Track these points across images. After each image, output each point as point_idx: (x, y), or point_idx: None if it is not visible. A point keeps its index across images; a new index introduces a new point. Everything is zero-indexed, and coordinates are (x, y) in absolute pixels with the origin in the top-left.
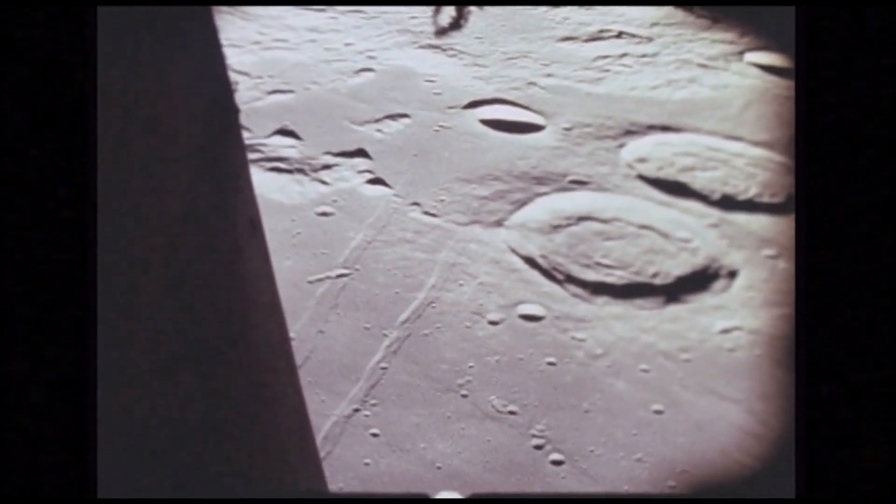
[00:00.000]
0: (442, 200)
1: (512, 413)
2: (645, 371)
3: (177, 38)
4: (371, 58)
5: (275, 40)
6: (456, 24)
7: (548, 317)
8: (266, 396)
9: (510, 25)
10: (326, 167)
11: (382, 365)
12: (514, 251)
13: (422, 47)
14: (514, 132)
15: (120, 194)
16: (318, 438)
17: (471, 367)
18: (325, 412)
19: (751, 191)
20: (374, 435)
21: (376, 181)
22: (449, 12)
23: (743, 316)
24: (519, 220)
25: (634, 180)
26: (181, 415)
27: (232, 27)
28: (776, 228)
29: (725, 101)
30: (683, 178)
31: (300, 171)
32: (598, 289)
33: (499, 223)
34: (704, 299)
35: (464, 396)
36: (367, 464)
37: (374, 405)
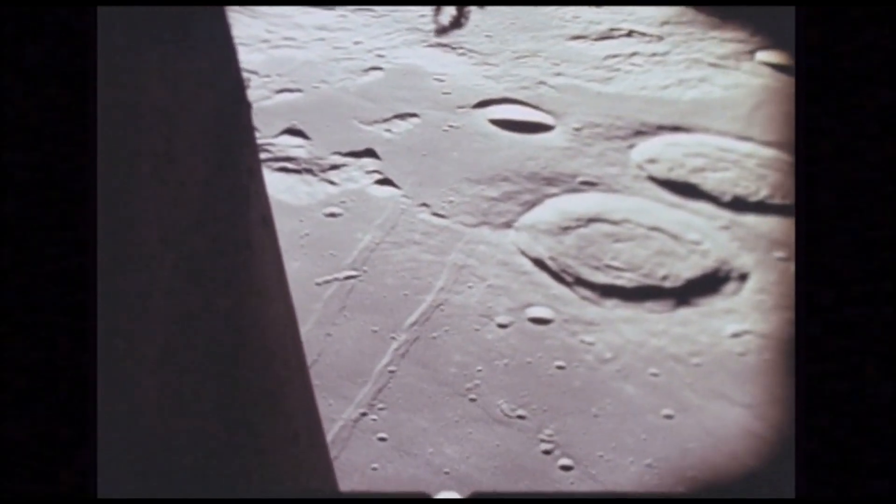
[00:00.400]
0: (451, 201)
1: (521, 417)
2: (655, 375)
3: (189, 34)
4: (380, 56)
5: (283, 38)
6: (456, 24)
7: (557, 320)
8: (277, 395)
9: (520, 24)
10: (335, 167)
11: (390, 368)
12: (523, 253)
13: (431, 46)
14: (524, 132)
15: (131, 190)
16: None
17: (479, 370)
18: (333, 416)
19: (761, 192)
20: (382, 439)
21: (385, 182)
22: (450, 11)
23: (754, 319)
24: (528, 222)
25: (644, 181)
26: (187, 414)
27: (240, 25)
28: (787, 230)
29: (736, 101)
30: (694, 179)
31: (308, 171)
32: (608, 291)
33: (508, 225)
34: (715, 302)
35: (472, 400)
36: (374, 468)
37: (381, 409)
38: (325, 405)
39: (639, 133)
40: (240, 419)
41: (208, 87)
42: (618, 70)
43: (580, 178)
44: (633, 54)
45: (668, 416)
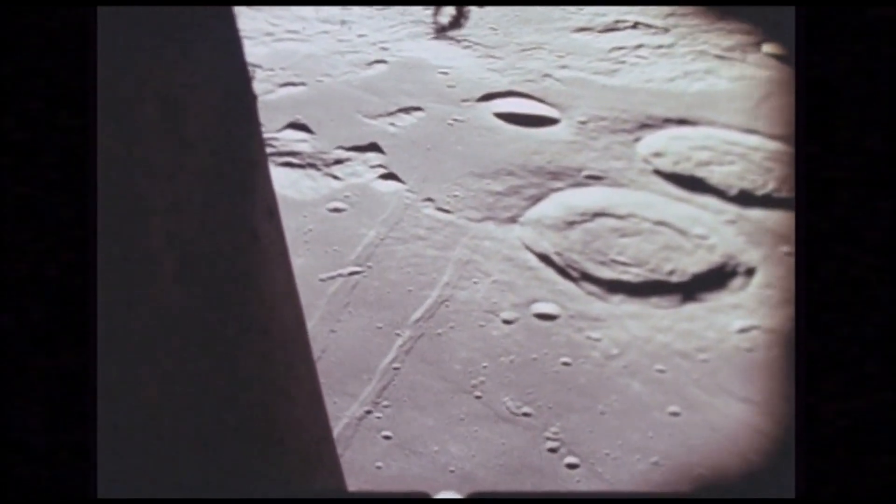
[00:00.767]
0: (455, 196)
1: (526, 415)
2: (661, 372)
3: (194, 25)
4: (384, 49)
5: (287, 31)
6: (456, 24)
7: (562, 316)
8: (283, 392)
9: (524, 16)
10: (339, 162)
11: (395, 365)
12: (528, 248)
13: (435, 38)
14: (529, 126)
15: (134, 181)
16: None
17: (484, 367)
18: (337, 414)
19: (768, 185)
20: (387, 437)
21: (389, 176)
22: (449, 12)
23: (761, 315)
24: (533, 217)
25: (650, 175)
26: (190, 412)
27: (243, 18)
28: (794, 225)
29: (743, 94)
30: (700, 172)
31: (312, 165)
32: (614, 287)
33: (513, 219)
34: (722, 298)
35: (477, 398)
36: (378, 467)
37: (386, 406)
38: (330, 403)
39: (644, 126)
40: (244, 417)
41: (213, 79)
42: (623, 62)
43: (586, 172)
44: (639, 46)
45: (675, 414)
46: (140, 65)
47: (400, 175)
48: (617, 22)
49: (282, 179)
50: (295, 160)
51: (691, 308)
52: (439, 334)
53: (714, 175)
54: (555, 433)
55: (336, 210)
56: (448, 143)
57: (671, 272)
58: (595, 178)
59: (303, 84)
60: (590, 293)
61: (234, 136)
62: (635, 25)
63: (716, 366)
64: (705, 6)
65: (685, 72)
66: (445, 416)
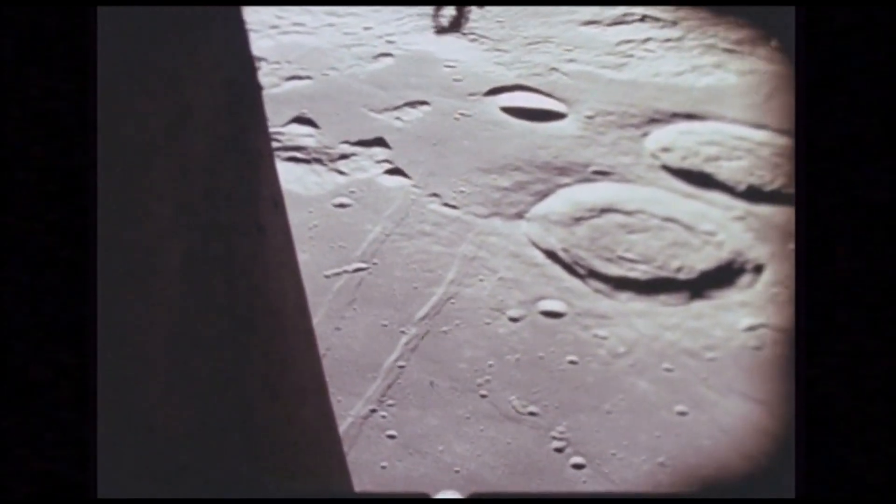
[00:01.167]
0: (462, 191)
1: (532, 414)
2: (668, 370)
3: (198, 18)
4: (390, 42)
5: (293, 24)
6: (456, 24)
7: (569, 313)
8: (287, 386)
9: (531, 9)
10: (344, 157)
11: (400, 363)
12: (535, 244)
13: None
14: (536, 120)
15: (139, 171)
16: None
17: (490, 365)
18: (342, 413)
19: (777, 181)
20: (391, 437)
21: (395, 171)
22: (449, 12)
23: (769, 313)
24: (540, 212)
25: (658, 171)
26: (192, 410)
27: (249, 10)
28: (795, 221)
29: (751, 88)
30: (708, 168)
31: (318, 160)
32: (621, 284)
33: (519, 215)
34: (729, 295)
35: (483, 396)
36: (383, 467)
37: (391, 405)
38: (334, 402)
39: (652, 121)
40: (248, 414)
41: (219, 71)
42: (631, 56)
43: (593, 168)
44: (647, 40)
45: (682, 413)
46: (143, 58)
47: (406, 170)
48: (625, 15)
49: (287, 174)
50: (300, 155)
51: (699, 306)
52: (445, 332)
53: (722, 170)
54: (561, 433)
55: (341, 205)
56: (454, 137)
57: (679, 269)
58: (602, 174)
59: (308, 77)
60: (597, 290)
61: (240, 127)
62: (643, 19)
63: (724, 364)
64: (705, 6)
65: (693, 66)
66: (451, 416)
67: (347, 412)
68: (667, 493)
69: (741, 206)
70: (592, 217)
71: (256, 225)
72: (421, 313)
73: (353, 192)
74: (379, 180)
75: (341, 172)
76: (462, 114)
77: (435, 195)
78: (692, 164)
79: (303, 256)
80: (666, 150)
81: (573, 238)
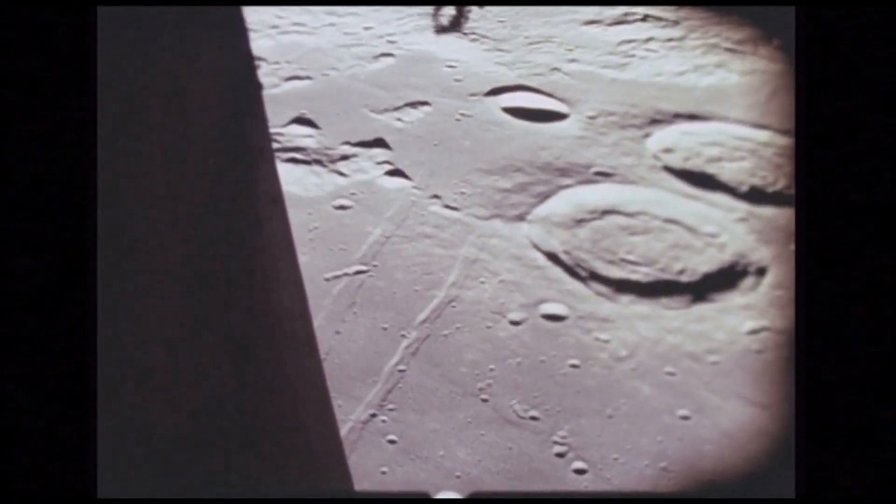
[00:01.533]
0: (463, 193)
1: (534, 419)
2: (671, 374)
3: (200, 16)
4: (391, 42)
5: (293, 24)
6: (456, 24)
7: (571, 316)
8: (287, 386)
9: (532, 8)
10: (344, 158)
11: (401, 367)
12: (536, 247)
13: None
14: (538, 121)
15: (141, 167)
16: None
17: (491, 369)
18: (342, 417)
19: (779, 183)
20: (392, 441)
21: (396, 173)
22: (449, 12)
23: (772, 316)
24: (542, 214)
25: (660, 172)
26: (193, 411)
27: (248, 10)
28: (795, 222)
29: (753, 88)
30: (710, 169)
31: (318, 162)
32: (623, 287)
33: (521, 217)
34: (732, 298)
35: (484, 401)
36: (383, 472)
37: (391, 410)
38: (335, 406)
39: (654, 121)
40: (248, 417)
41: (219, 69)
42: (633, 56)
43: (595, 169)
44: (649, 39)
45: (685, 417)
46: (144, 56)
47: (406, 171)
48: (626, 14)
49: (287, 176)
50: (300, 156)
51: (701, 309)
52: (446, 336)
53: (724, 171)
54: (563, 437)
55: (342, 207)
56: (455, 138)
57: (681, 272)
58: (604, 175)
59: (308, 78)
60: (599, 293)
61: (239, 124)
62: (645, 18)
63: (726, 368)
64: (707, 6)
65: (695, 65)
66: (451, 420)
67: (348, 416)
68: (667, 494)
69: (743, 207)
70: (594, 219)
71: (256, 221)
72: (422, 316)
73: (353, 193)
74: (379, 182)
75: (342, 174)
76: (463, 114)
77: (436, 197)
78: (694, 165)
79: (303, 259)
80: (668, 150)
81: (575, 240)
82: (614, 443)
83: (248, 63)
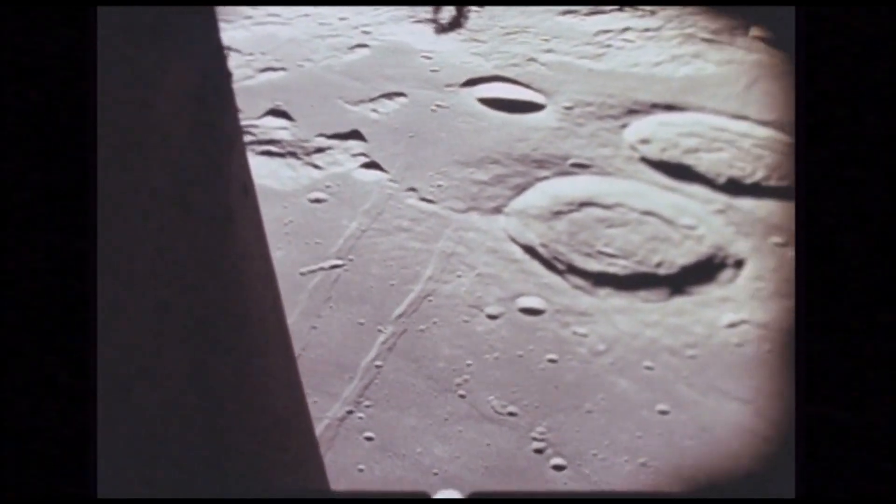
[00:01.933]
0: (439, 185)
1: (511, 414)
2: (649, 368)
3: (166, 5)
4: (366, 33)
5: (267, 14)
6: (456, 23)
7: (548, 310)
8: (260, 382)
9: None
10: (319, 150)
11: (377, 363)
12: (513, 240)
13: (418, 21)
14: (514, 112)
15: (109, 157)
16: None
17: (469, 364)
18: (318, 414)
19: (757, 174)
20: (369, 439)
21: (371, 165)
22: (449, 11)
23: (751, 308)
24: (518, 207)
25: (637, 163)
26: (174, 412)
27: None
28: (784, 214)
29: (731, 78)
30: (688, 160)
31: (292, 154)
32: (601, 280)
33: (498, 210)
34: (710, 291)
35: (461, 397)
36: (360, 470)
37: (368, 406)
38: (310, 402)
39: (631, 112)
40: (225, 410)
41: (187, 57)
42: (609, 46)
43: (571, 160)
44: (625, 29)
45: (664, 412)
46: (111, 45)
47: (382, 164)
48: (602, 4)
49: (261, 168)
50: (274, 148)
51: (679, 302)
52: (422, 330)
53: (702, 162)
54: (541, 433)
55: (317, 201)
56: (431, 129)
57: (659, 264)
58: (581, 167)
59: (283, 69)
60: (576, 286)
61: (208, 111)
62: (621, 7)
63: (705, 362)
64: (704, 6)
65: (672, 55)
66: (429, 417)
67: (324, 413)
68: (666, 494)
69: (721, 199)
70: (571, 211)
71: (227, 213)
72: (398, 311)
73: (328, 186)
74: (355, 174)
75: (317, 166)
76: (439, 105)
77: (412, 189)
78: (671, 156)
79: (278, 253)
80: (645, 141)
81: (552, 233)
82: (593, 438)
83: (217, 53)
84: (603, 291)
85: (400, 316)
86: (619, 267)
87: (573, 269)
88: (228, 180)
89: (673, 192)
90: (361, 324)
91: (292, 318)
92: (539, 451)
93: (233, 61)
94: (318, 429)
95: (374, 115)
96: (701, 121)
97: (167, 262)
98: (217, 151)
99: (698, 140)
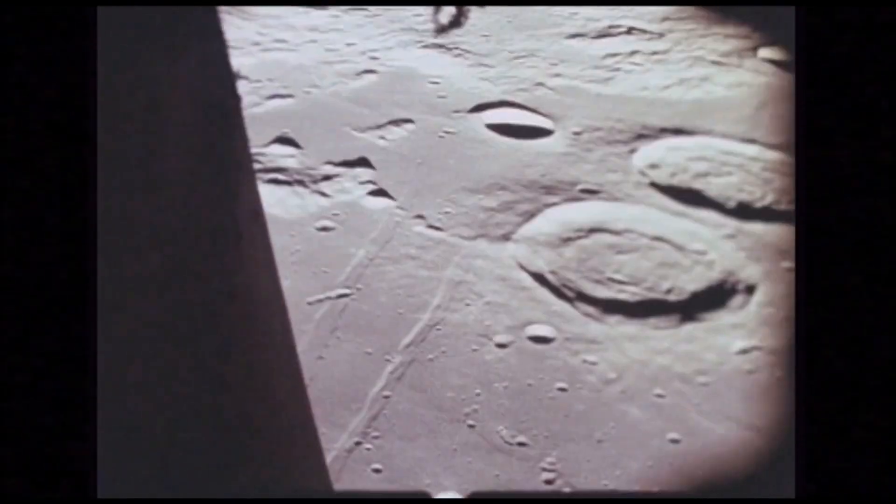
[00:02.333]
0: (447, 212)
1: (521, 444)
2: (660, 396)
3: (180, 26)
4: (373, 59)
5: (275, 41)
6: (456, 23)
7: (558, 338)
8: (268, 404)
9: (517, 22)
10: (327, 178)
11: (385, 393)
12: (522, 267)
13: (426, 47)
14: (522, 137)
15: (116, 178)
16: None
17: (478, 394)
18: (326, 445)
19: (767, 198)
20: (377, 470)
21: (379, 192)
22: (449, 11)
23: (762, 335)
24: (527, 234)
25: (647, 188)
26: (183, 415)
27: (231, 28)
28: (794, 237)
29: (740, 101)
30: (697, 185)
31: (300, 182)
32: (611, 307)
33: (506, 237)
34: (721, 317)
35: (470, 427)
36: None
37: (375, 437)
38: (318, 434)
39: (640, 136)
40: (233, 420)
41: (198, 81)
42: (618, 70)
43: (580, 186)
44: (634, 53)
45: (675, 441)
46: (125, 66)
47: (390, 191)
48: (610, 27)
49: (268, 197)
50: (282, 176)
51: (690, 328)
52: (431, 360)
53: (712, 187)
54: (551, 463)
55: (324, 229)
56: (439, 156)
57: (669, 290)
58: (590, 192)
59: (290, 96)
60: (586, 314)
61: (218, 136)
62: (629, 31)
63: (716, 389)
64: (704, 7)
65: (681, 79)
66: (437, 447)
67: (332, 445)
68: (666, 494)
69: (732, 223)
70: (580, 237)
71: (236, 237)
72: (406, 340)
73: (336, 214)
74: (363, 202)
75: (324, 194)
76: (447, 132)
77: (420, 217)
78: (681, 180)
79: (285, 283)
80: (654, 166)
81: (561, 260)
82: (604, 468)
83: (227, 76)
84: (613, 319)
85: (408, 345)
86: (628, 294)
87: (583, 297)
88: (238, 205)
89: (683, 217)
90: (369, 353)
91: (300, 347)
92: (549, 481)
93: (240, 88)
94: (326, 460)
95: (381, 142)
96: (710, 145)
97: (174, 288)
98: (226, 177)
99: (708, 164)
